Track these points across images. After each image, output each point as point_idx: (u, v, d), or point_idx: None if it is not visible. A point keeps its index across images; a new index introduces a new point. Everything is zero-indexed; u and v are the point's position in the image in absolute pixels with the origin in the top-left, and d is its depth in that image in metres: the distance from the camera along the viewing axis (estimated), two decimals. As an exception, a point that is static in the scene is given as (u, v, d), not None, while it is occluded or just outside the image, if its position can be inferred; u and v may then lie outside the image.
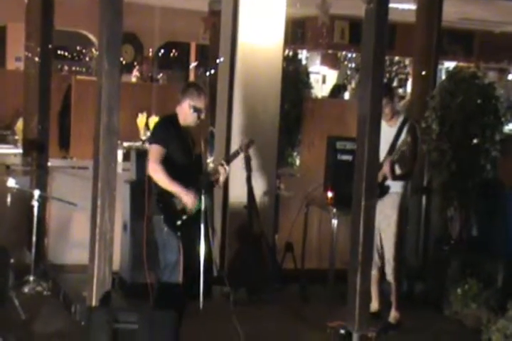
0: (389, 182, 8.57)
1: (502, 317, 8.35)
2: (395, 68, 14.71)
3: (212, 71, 11.32)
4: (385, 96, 8.40)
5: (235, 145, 8.99)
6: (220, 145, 10.20)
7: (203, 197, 7.35)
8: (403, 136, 8.56)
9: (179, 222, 7.45)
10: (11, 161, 10.04)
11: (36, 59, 10.02)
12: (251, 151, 8.62)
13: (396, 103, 8.80)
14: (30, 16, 10.13)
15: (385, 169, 8.44)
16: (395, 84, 13.05)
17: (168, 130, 7.65)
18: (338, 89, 14.91)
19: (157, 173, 7.43)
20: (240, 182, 9.27)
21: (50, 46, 10.08)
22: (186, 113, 7.61)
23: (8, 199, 9.03)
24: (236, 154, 8.30)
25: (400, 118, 8.70)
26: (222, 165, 7.77)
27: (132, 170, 9.85)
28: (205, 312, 7.06)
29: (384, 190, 8.48)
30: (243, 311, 7.60)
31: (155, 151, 7.51)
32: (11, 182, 8.91)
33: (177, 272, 7.40)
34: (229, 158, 8.17)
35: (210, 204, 7.61)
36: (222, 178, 7.82)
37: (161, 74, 15.52)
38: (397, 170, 8.65)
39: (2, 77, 13.74)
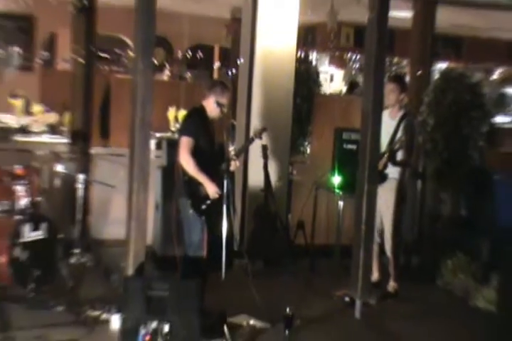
0: (388, 169, 8.63)
1: (486, 286, 8.58)
2: (394, 68, 14.66)
3: (234, 70, 11.31)
4: (396, 83, 8.53)
5: (251, 134, 9.00)
6: (240, 135, 10.24)
7: (225, 182, 7.41)
8: (401, 128, 8.60)
9: (204, 207, 7.49)
10: (60, 149, 10.08)
11: (81, 60, 10.05)
12: (267, 140, 8.62)
13: (399, 97, 8.75)
14: (76, 23, 10.17)
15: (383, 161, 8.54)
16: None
17: (196, 122, 7.70)
18: (353, 85, 15.07)
19: (188, 163, 7.48)
20: (258, 168, 9.29)
21: (93, 49, 10.12)
22: (211, 107, 7.67)
23: (57, 182, 9.10)
24: (251, 141, 8.34)
25: (401, 113, 8.72)
26: (233, 159, 7.83)
27: (163, 157, 9.94)
28: (227, 282, 7.12)
29: (384, 177, 8.53)
30: (260, 281, 7.62)
31: (185, 143, 7.53)
32: (60, 168, 8.96)
33: (200, 249, 7.44)
34: (240, 151, 8.22)
35: (231, 187, 7.62)
36: (232, 169, 7.88)
37: (188, 73, 15.48)
38: (399, 157, 8.70)
39: (52, 76, 13.74)
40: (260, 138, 8.22)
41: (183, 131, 7.82)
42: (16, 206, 8.14)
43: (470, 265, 9.10)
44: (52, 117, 11.68)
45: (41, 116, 11.66)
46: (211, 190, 7.46)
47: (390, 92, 8.52)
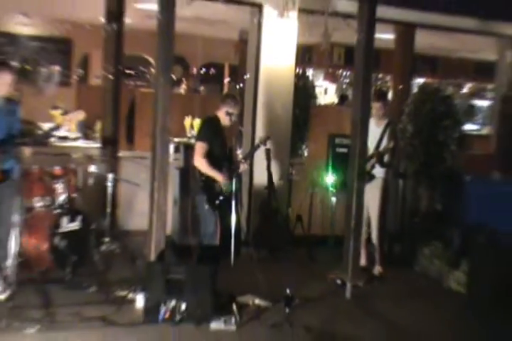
0: (374, 170, 8.65)
1: (457, 270, 8.54)
2: (379, 83, 14.60)
3: (241, 85, 11.26)
4: (381, 100, 8.47)
5: (257, 141, 8.94)
6: (247, 140, 10.20)
7: (233, 181, 7.38)
8: (387, 135, 8.54)
9: (217, 202, 7.50)
10: (92, 153, 10.05)
11: (111, 77, 10.01)
12: (270, 145, 8.58)
13: (383, 108, 8.76)
14: (107, 45, 10.13)
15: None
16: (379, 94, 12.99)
17: (210, 129, 7.74)
18: (343, 98, 15.07)
19: (201, 164, 7.56)
20: (262, 169, 9.24)
21: (120, 67, 10.09)
22: (223, 116, 7.66)
23: (90, 181, 9.08)
24: (257, 147, 8.32)
25: (385, 121, 8.69)
26: (241, 162, 7.85)
27: (181, 160, 9.95)
28: (235, 267, 7.15)
29: (371, 176, 8.56)
30: (263, 266, 7.60)
31: (200, 147, 7.58)
32: (92, 168, 8.94)
33: (214, 239, 7.43)
34: (247, 155, 8.19)
35: (239, 186, 7.61)
36: (241, 171, 7.90)
37: (202, 87, 15.44)
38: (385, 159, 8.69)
39: (86, 91, 13.75)
40: (265, 144, 8.19)
41: (198, 137, 7.86)
42: (56, 201, 8.14)
43: (443, 252, 9.06)
44: (81, 114, 11.69)
45: (71, 116, 11.68)
46: (222, 179, 7.53)
47: (377, 109, 8.48)
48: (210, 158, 7.54)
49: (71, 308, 6.76)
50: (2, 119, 6.94)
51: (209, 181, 7.57)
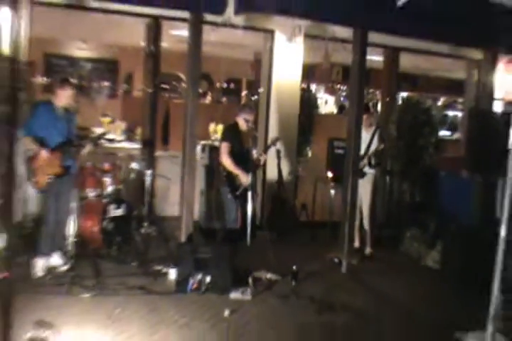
0: (366, 168, 8.50)
1: (433, 250, 8.50)
2: (370, 96, 14.49)
3: (256, 97, 11.18)
4: (367, 112, 8.37)
5: (269, 141, 8.87)
6: (261, 143, 10.09)
7: (250, 176, 7.29)
8: (375, 139, 8.46)
9: (238, 193, 7.42)
10: (134, 152, 10.01)
11: (149, 90, 9.94)
12: (280, 146, 8.49)
13: (373, 117, 8.72)
14: (146, 64, 10.07)
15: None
16: (370, 105, 12.98)
17: (231, 133, 7.67)
18: (342, 108, 15.01)
19: (226, 161, 7.50)
20: (273, 166, 9.15)
21: (157, 82, 10.01)
22: (242, 123, 7.59)
23: (132, 176, 9.04)
24: (269, 147, 8.20)
25: (373, 128, 8.59)
26: (261, 155, 7.76)
27: (206, 158, 9.88)
28: (251, 247, 7.03)
29: (363, 173, 8.43)
30: (274, 246, 7.54)
31: (225, 147, 7.54)
32: (134, 165, 8.90)
33: (235, 223, 7.38)
34: (265, 150, 8.07)
35: (255, 180, 7.55)
36: (261, 162, 7.85)
37: (224, 99, 15.39)
38: (373, 161, 8.58)
39: (129, 101, 13.75)
40: (275, 144, 8.09)
41: (222, 138, 7.82)
42: (105, 192, 8.14)
43: (422, 236, 8.99)
44: (123, 124, 11.75)
45: (116, 124, 11.72)
46: (244, 178, 7.43)
47: (364, 119, 8.34)
48: (233, 156, 7.49)
49: (117, 279, 6.82)
50: (63, 126, 6.98)
51: (230, 176, 7.51)
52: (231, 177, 7.49)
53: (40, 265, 6.88)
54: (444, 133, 14.77)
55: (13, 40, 3.66)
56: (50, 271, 6.91)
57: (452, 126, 16.92)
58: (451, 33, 7.78)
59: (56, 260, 7.10)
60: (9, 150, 3.74)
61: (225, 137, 7.75)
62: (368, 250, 8.75)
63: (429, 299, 7.10)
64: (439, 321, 6.23)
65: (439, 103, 17.24)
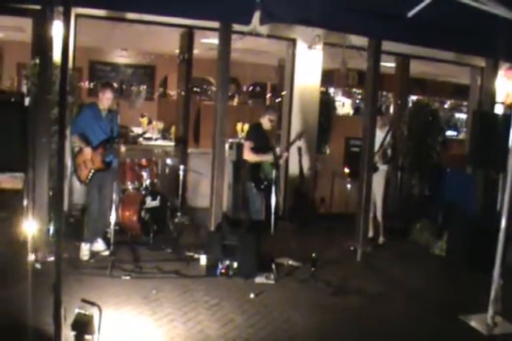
0: (378, 164, 8.44)
1: (440, 240, 8.42)
2: (383, 99, 14.38)
3: (279, 99, 11.15)
4: (379, 115, 8.32)
5: (293, 136, 8.84)
6: (283, 141, 10.06)
7: (274, 171, 7.25)
8: (388, 138, 8.39)
9: (262, 186, 7.38)
10: (168, 149, 10.05)
11: (183, 93, 9.96)
12: (301, 144, 8.44)
13: (386, 118, 8.68)
14: (180, 69, 10.10)
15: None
16: (383, 107, 12.89)
17: (255, 132, 7.62)
18: (357, 109, 14.92)
19: (249, 156, 7.45)
20: (295, 162, 9.08)
21: (190, 86, 10.03)
22: (266, 122, 7.55)
23: (167, 170, 9.06)
24: (294, 140, 8.11)
25: (387, 128, 8.51)
26: (290, 144, 7.83)
27: (233, 155, 9.86)
28: (275, 236, 7.01)
29: (376, 168, 8.35)
30: (295, 236, 7.54)
31: (247, 145, 7.48)
32: (168, 161, 8.93)
33: (260, 214, 7.34)
34: (288, 147, 8.01)
35: (278, 174, 7.50)
36: (284, 159, 7.87)
37: (250, 101, 15.36)
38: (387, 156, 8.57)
39: (164, 103, 13.82)
40: (300, 139, 8.03)
41: (246, 138, 7.82)
42: (143, 185, 8.12)
43: (430, 226, 8.92)
44: (161, 124, 11.78)
45: (153, 124, 11.79)
46: (268, 157, 7.39)
47: (380, 120, 8.28)
48: (255, 153, 7.42)
49: (153, 263, 6.86)
50: (106, 125, 7.02)
51: (254, 171, 7.44)
52: (255, 172, 7.43)
53: (85, 250, 6.95)
54: (450, 133, 14.66)
55: (63, 49, 3.68)
56: (94, 255, 6.99)
57: (457, 127, 16.80)
58: (457, 42, 7.73)
59: (99, 245, 7.16)
60: (60, 147, 3.78)
61: (248, 136, 7.75)
62: (381, 239, 8.68)
63: (436, 284, 7.06)
64: (444, 304, 6.18)
65: (446, 106, 17.08)
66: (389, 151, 8.51)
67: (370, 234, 8.64)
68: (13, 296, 5.25)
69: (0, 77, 12.81)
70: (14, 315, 4.79)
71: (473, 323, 5.60)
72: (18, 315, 4.72)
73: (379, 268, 7.49)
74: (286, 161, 9.01)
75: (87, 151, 6.92)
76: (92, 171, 6.99)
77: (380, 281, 6.91)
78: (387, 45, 8.17)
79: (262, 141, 7.52)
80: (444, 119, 10.92)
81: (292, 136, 9.13)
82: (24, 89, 8.15)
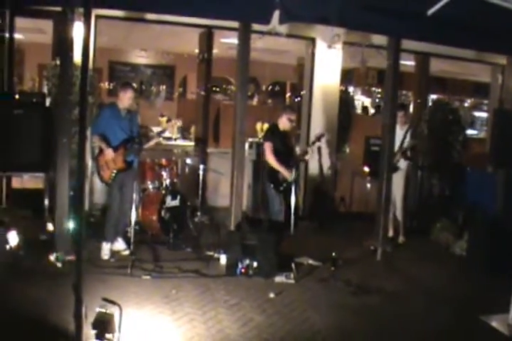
0: (399, 163, 8.40)
1: (460, 239, 8.35)
2: (403, 97, 14.30)
3: (299, 98, 11.13)
4: (403, 110, 8.27)
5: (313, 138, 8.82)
6: (303, 141, 10.05)
7: (293, 171, 7.24)
8: (408, 137, 8.34)
9: (281, 188, 7.34)
10: (188, 149, 10.07)
11: (202, 93, 9.98)
12: (321, 143, 8.41)
13: (406, 117, 8.64)
14: (200, 69, 10.13)
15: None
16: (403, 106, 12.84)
17: (274, 133, 7.54)
18: (378, 108, 14.86)
19: (271, 160, 7.35)
20: (315, 162, 9.17)
21: (209, 85, 10.04)
22: (285, 122, 7.50)
23: (187, 170, 9.09)
24: (314, 142, 8.03)
25: (407, 126, 8.47)
26: (305, 152, 7.68)
27: (253, 154, 9.82)
28: (295, 235, 6.97)
29: (396, 168, 8.30)
30: (315, 234, 7.53)
31: (268, 146, 7.38)
32: (188, 161, 8.94)
33: (280, 215, 7.30)
34: (307, 150, 7.95)
35: (298, 174, 7.48)
36: (309, 155, 7.73)
37: (269, 100, 15.35)
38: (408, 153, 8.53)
39: (184, 103, 13.87)
40: (320, 140, 7.98)
41: (265, 138, 7.69)
42: (163, 184, 8.13)
43: (450, 226, 8.84)
44: (179, 122, 11.82)
45: (173, 122, 11.81)
46: (287, 174, 7.28)
47: (400, 116, 8.24)
48: (276, 154, 7.34)
49: (173, 263, 6.86)
50: (126, 125, 7.02)
51: (274, 172, 7.38)
52: (274, 174, 7.36)
53: (105, 249, 6.98)
54: (470, 131, 14.55)
55: (83, 50, 3.71)
56: (114, 254, 7.01)
57: (478, 126, 16.66)
58: (478, 40, 7.65)
59: (119, 245, 7.20)
60: (81, 147, 3.80)
61: (266, 137, 7.62)
62: (401, 239, 8.64)
63: (457, 284, 6.99)
64: (465, 304, 6.13)
65: (466, 104, 16.96)
66: (409, 151, 8.47)
67: (390, 233, 8.59)
68: (35, 295, 5.31)
69: (21, 78, 12.93)
70: (36, 314, 4.83)
71: (494, 323, 5.55)
72: (39, 314, 4.76)
73: (399, 268, 7.44)
74: (305, 160, 9.03)
75: (109, 152, 6.94)
76: (115, 171, 7.02)
77: (400, 281, 6.87)
78: (406, 44, 8.14)
79: (280, 141, 7.48)
80: (465, 118, 10.81)
81: (312, 137, 9.12)
82: (45, 89, 8.22)
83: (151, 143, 7.31)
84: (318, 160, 9.10)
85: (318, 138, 7.85)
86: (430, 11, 5.97)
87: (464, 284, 7.02)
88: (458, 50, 9.49)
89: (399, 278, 7.02)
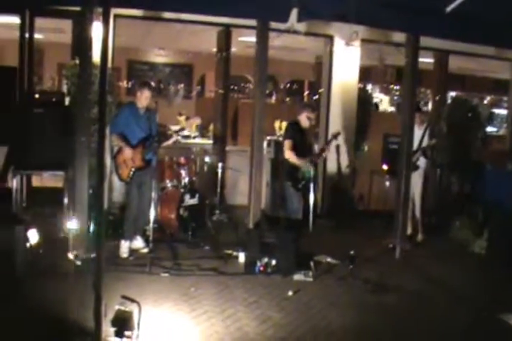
0: (418, 161, 8.36)
1: (480, 238, 8.28)
2: (421, 95, 14.21)
3: (317, 96, 11.10)
4: (418, 111, 8.20)
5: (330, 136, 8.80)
6: (322, 138, 10.02)
7: (311, 169, 7.22)
8: (427, 135, 8.31)
9: (300, 186, 7.32)
10: (207, 147, 10.09)
11: (220, 91, 9.99)
12: (339, 141, 8.39)
13: (425, 115, 8.60)
14: (218, 68, 10.14)
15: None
16: (422, 104, 12.74)
17: (294, 130, 7.51)
18: (399, 106, 14.77)
19: (290, 156, 7.33)
20: (333, 160, 9.16)
21: (227, 84, 10.05)
22: (304, 120, 7.48)
23: (205, 168, 9.10)
24: (331, 141, 7.99)
25: (425, 125, 8.42)
26: (323, 150, 7.66)
27: (272, 152, 9.85)
28: (313, 233, 6.95)
29: (416, 166, 8.26)
30: (334, 232, 7.51)
31: (288, 143, 7.35)
32: (207, 159, 8.96)
33: (298, 213, 7.29)
34: (324, 148, 7.89)
35: (316, 172, 7.46)
36: (326, 153, 7.73)
37: (287, 98, 15.34)
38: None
39: (202, 101, 13.89)
40: (336, 138, 7.95)
41: (285, 136, 7.66)
42: (181, 183, 8.17)
43: (470, 224, 8.77)
44: (198, 119, 11.78)
45: (191, 120, 11.80)
46: (307, 167, 7.28)
47: (419, 117, 8.19)
48: (296, 151, 7.33)
49: (191, 261, 6.88)
50: (144, 123, 7.04)
51: (293, 170, 7.37)
52: (293, 172, 7.34)
53: (124, 247, 7.01)
54: (490, 129, 14.43)
55: (102, 49, 3.73)
56: (133, 252, 7.04)
57: (498, 123, 16.52)
58: (496, 36, 7.60)
59: (138, 243, 7.23)
60: (100, 146, 3.82)
61: (287, 135, 7.61)
62: (419, 237, 8.59)
63: (476, 282, 6.93)
64: (484, 303, 6.07)
65: (486, 101, 16.82)
66: (428, 150, 8.42)
67: (409, 231, 8.53)
68: (54, 293, 5.34)
69: (41, 78, 13.03)
70: (55, 311, 4.86)
71: (514, 322, 5.51)
72: (59, 311, 4.79)
73: (418, 266, 7.38)
74: (324, 159, 9.01)
75: (128, 151, 6.96)
76: (133, 170, 7.05)
77: (419, 279, 6.82)
78: (425, 41, 8.05)
79: (300, 138, 7.48)
80: (484, 115, 10.71)
81: (329, 135, 9.11)
82: (64, 89, 8.28)
83: (169, 141, 7.31)
84: (336, 159, 9.07)
85: (335, 137, 7.83)
86: (449, 8, 5.93)
87: (483, 283, 6.95)
88: (477, 46, 9.42)
89: (417, 276, 6.96)
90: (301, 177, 7.31)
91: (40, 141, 6.85)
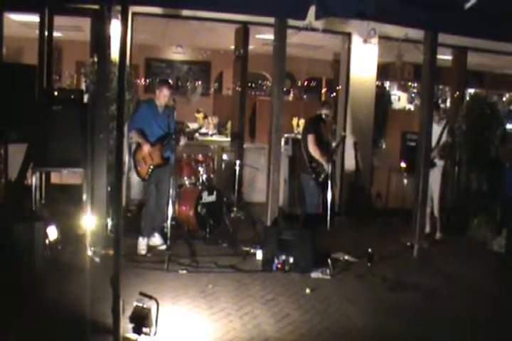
0: (436, 159, 8.31)
1: (498, 236, 8.25)
2: (440, 92, 14.09)
3: (335, 94, 11.06)
4: (436, 109, 8.14)
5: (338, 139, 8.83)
6: (339, 135, 9.96)
7: (330, 165, 7.20)
8: (445, 132, 8.25)
9: (320, 179, 7.37)
10: (224, 144, 10.09)
11: (238, 88, 9.98)
12: (357, 139, 8.36)
13: (442, 113, 8.52)
14: (236, 65, 10.14)
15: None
16: (440, 101, 12.65)
17: (315, 125, 7.65)
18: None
19: (315, 151, 7.48)
20: (351, 157, 9.14)
21: (245, 81, 10.03)
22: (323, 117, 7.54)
23: (223, 165, 9.11)
24: (337, 145, 8.03)
25: (444, 121, 8.38)
26: (333, 147, 7.77)
27: (289, 150, 9.87)
28: (331, 231, 6.88)
29: (434, 164, 8.24)
30: (351, 230, 7.48)
31: (311, 138, 7.56)
32: (224, 156, 9.00)
33: (317, 208, 7.32)
34: (332, 152, 7.82)
35: (334, 170, 7.45)
36: (335, 156, 7.83)
37: (305, 96, 15.29)
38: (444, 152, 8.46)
39: (220, 99, 13.87)
40: (343, 142, 7.96)
41: (307, 131, 7.78)
42: (199, 180, 8.17)
43: (488, 222, 8.73)
44: (216, 119, 11.82)
45: (210, 119, 11.83)
46: (327, 161, 7.35)
47: (436, 115, 8.14)
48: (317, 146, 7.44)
49: (209, 258, 6.90)
50: (163, 121, 7.06)
51: (314, 164, 7.46)
52: (314, 166, 7.48)
53: (142, 244, 7.05)
54: (509, 126, 14.31)
55: (121, 47, 3.72)
56: (151, 249, 7.09)
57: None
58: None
59: (156, 240, 7.26)
60: (118, 143, 3.83)
61: (309, 129, 7.74)
62: (438, 235, 8.55)
63: (495, 281, 6.87)
64: (504, 301, 6.04)
65: (505, 98, 16.65)
66: (447, 148, 8.36)
67: (427, 229, 8.52)
68: (73, 289, 5.37)
69: (60, 75, 13.10)
70: (74, 307, 4.89)
71: (535, 322, 5.46)
72: (77, 307, 4.82)
73: (436, 264, 7.33)
74: (342, 155, 8.98)
75: (146, 148, 6.99)
76: (152, 167, 7.07)
77: (437, 277, 6.77)
78: (443, 38, 8.00)
79: (320, 134, 7.55)
80: (503, 112, 10.61)
81: (339, 134, 9.12)
82: (83, 86, 8.31)
83: (181, 143, 7.24)
84: (354, 156, 9.04)
85: (342, 140, 7.87)
86: (468, 4, 5.87)
87: (502, 281, 6.90)
88: (495, 43, 9.30)
89: (436, 274, 6.91)
90: (321, 170, 7.40)
91: (59, 138, 6.87)
